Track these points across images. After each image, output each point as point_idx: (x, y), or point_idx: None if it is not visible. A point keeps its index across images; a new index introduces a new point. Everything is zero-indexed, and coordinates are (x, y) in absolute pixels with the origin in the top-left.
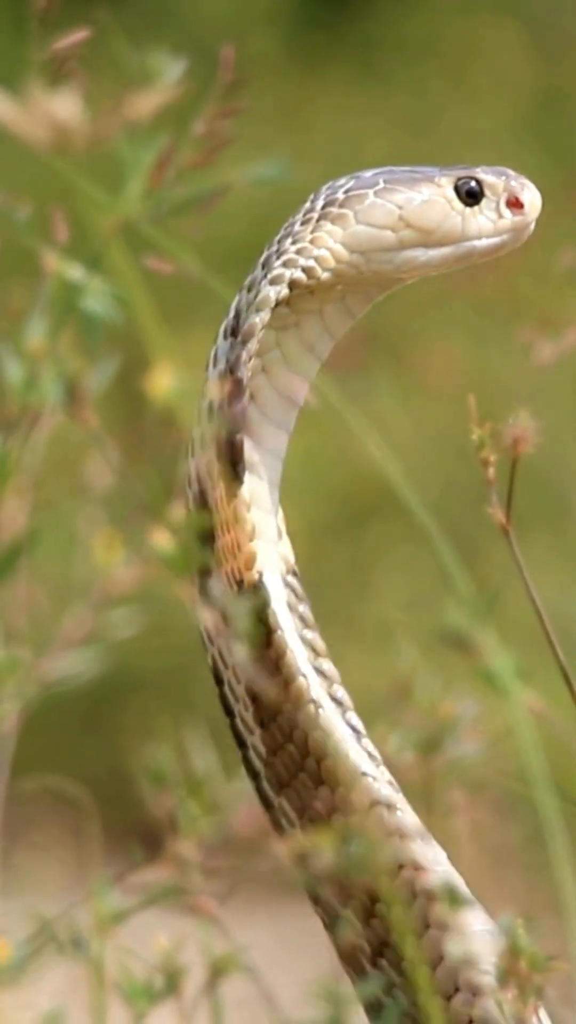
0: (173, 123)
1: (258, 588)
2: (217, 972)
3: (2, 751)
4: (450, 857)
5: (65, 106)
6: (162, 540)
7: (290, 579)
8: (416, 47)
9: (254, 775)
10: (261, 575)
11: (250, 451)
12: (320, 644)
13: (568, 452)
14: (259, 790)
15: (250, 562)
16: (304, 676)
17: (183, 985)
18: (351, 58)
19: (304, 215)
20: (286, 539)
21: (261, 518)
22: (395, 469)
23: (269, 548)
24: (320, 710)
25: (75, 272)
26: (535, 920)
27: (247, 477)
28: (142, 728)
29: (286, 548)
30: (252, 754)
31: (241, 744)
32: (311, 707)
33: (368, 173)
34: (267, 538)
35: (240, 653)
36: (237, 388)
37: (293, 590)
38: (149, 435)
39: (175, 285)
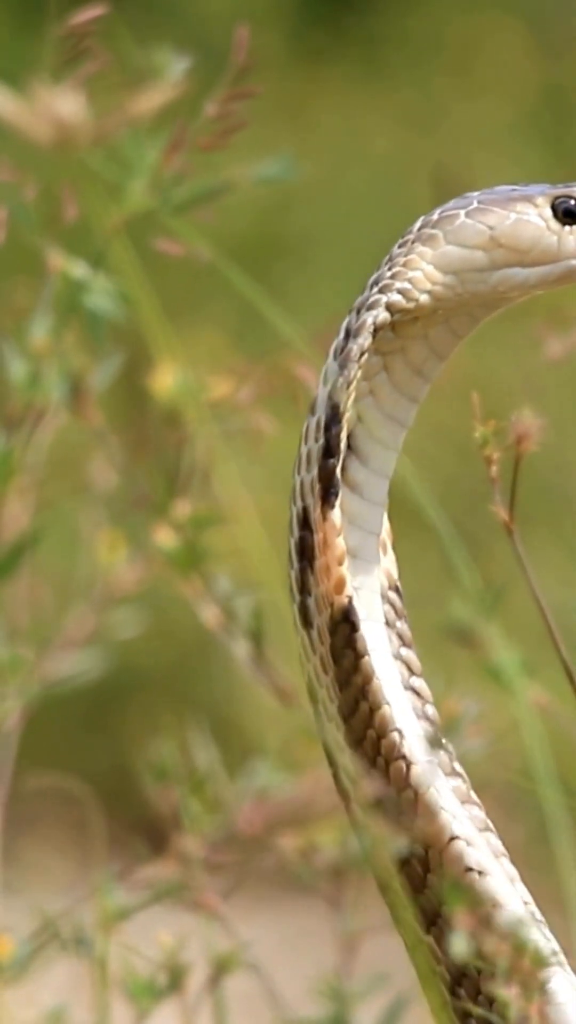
0: (176, 120)
1: (348, 613)
2: (220, 969)
3: (5, 749)
4: None
5: (69, 103)
6: (165, 538)
7: (391, 595)
8: (420, 44)
9: (344, 795)
10: (351, 600)
11: (354, 471)
12: (416, 662)
13: (571, 449)
14: (348, 810)
15: (340, 586)
16: (388, 704)
17: (186, 982)
18: (355, 55)
19: (403, 238)
20: (391, 553)
21: (361, 538)
22: (402, 463)
23: (371, 567)
24: (404, 740)
25: (79, 270)
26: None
27: (349, 497)
28: (145, 725)
29: (390, 562)
30: (343, 774)
31: (331, 762)
32: (395, 735)
33: (474, 193)
34: (367, 557)
35: (242, 651)
36: (333, 414)
37: (393, 606)
38: (152, 433)
39: (179, 283)
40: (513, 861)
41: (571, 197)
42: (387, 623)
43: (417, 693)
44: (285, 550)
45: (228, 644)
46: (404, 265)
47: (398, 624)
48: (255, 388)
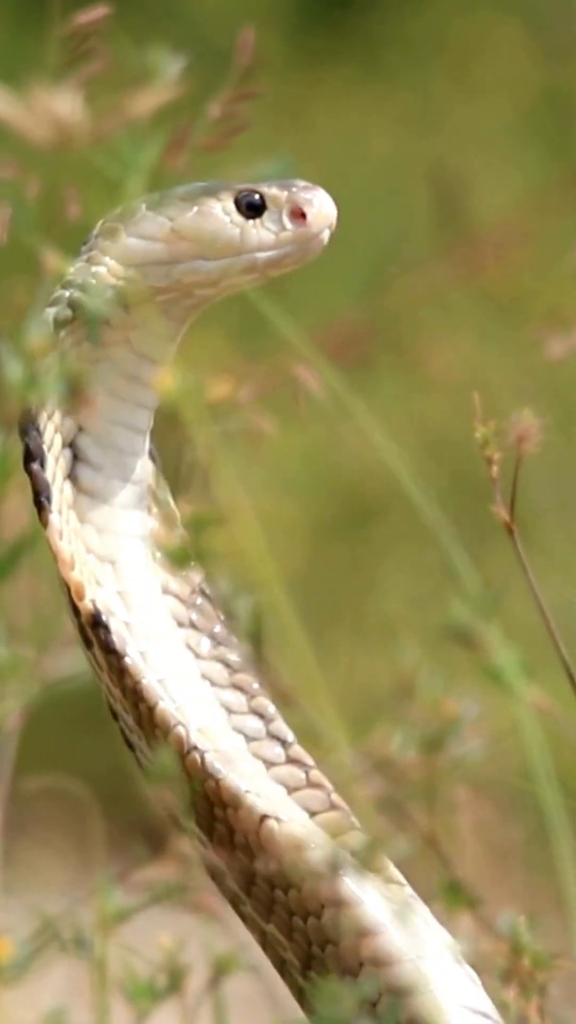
0: (175, 120)
1: (96, 617)
2: (220, 970)
3: (5, 749)
4: (454, 855)
5: (67, 103)
6: (162, 536)
7: (197, 599)
8: (420, 45)
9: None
10: (95, 603)
11: (89, 479)
12: (236, 659)
13: (572, 449)
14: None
15: (79, 592)
16: (163, 699)
17: (186, 983)
18: (354, 56)
19: (89, 235)
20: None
21: (116, 543)
22: (402, 464)
23: (135, 572)
24: (189, 733)
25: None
26: (539, 918)
27: (89, 504)
28: None
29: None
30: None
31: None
32: (180, 729)
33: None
34: (129, 562)
35: (241, 651)
36: (25, 416)
37: (201, 610)
38: (152, 434)
39: None
40: (512, 862)
41: (255, 192)
42: (195, 627)
43: (241, 689)
44: (284, 551)
45: None
46: (88, 260)
47: (214, 628)
48: (255, 388)
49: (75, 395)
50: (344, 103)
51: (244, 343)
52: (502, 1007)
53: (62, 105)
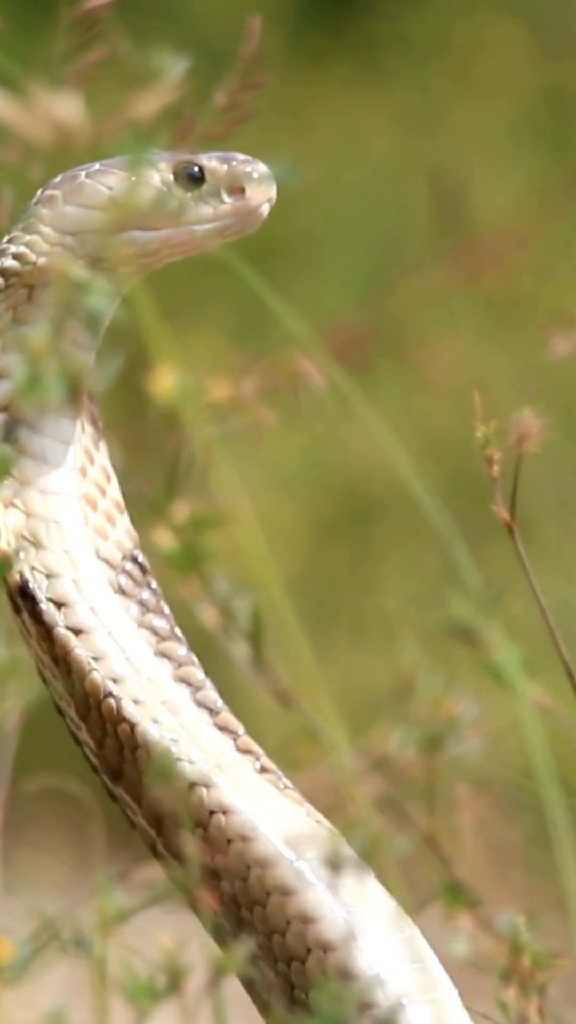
0: (176, 120)
1: (24, 588)
2: (220, 970)
3: (5, 749)
4: (454, 855)
5: (67, 105)
6: (164, 539)
7: (127, 565)
8: (420, 46)
9: (94, 769)
10: (22, 575)
11: (27, 440)
12: (165, 626)
13: (573, 449)
14: (104, 785)
15: (5, 563)
16: (96, 671)
17: (186, 983)
18: (354, 56)
19: (29, 203)
20: (124, 520)
21: (59, 504)
22: (405, 463)
23: (75, 532)
24: (122, 703)
25: (78, 270)
26: (539, 918)
27: (31, 465)
28: None
29: (123, 534)
30: (87, 750)
31: (76, 741)
32: (111, 701)
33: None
34: (67, 521)
35: (241, 652)
36: None
37: (131, 576)
38: (151, 434)
39: (178, 284)
40: (512, 861)
41: (195, 164)
42: (123, 592)
43: (168, 657)
44: (284, 551)
45: (227, 645)
46: (23, 229)
47: (143, 594)
48: (258, 382)
49: (76, 396)
50: (344, 103)
51: (243, 345)
52: (502, 1007)
53: (62, 107)
